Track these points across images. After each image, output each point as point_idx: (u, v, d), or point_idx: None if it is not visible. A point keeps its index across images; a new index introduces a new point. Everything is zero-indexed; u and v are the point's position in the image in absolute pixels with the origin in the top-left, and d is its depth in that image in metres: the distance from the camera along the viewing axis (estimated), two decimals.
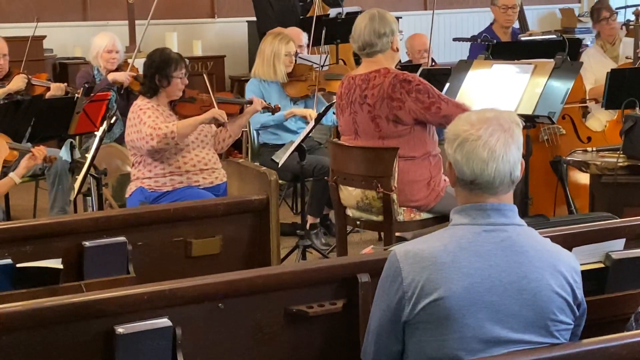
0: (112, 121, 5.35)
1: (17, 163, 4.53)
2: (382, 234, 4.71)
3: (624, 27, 7.54)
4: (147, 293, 2.65)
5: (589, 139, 5.77)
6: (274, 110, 5.62)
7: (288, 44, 6.04)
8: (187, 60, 4.98)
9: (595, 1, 9.14)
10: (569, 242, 2.85)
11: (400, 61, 4.85)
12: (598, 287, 2.95)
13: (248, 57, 8.79)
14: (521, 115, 3.80)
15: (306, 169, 5.42)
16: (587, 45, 7.10)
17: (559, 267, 2.33)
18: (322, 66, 6.69)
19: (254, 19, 8.38)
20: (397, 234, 4.35)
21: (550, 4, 10.63)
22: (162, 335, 2.56)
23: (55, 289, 3.23)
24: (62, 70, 7.66)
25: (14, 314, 2.50)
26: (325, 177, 4.99)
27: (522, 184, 3.99)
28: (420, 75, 4.59)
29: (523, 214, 2.73)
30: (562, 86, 4.73)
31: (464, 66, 5.16)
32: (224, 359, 2.86)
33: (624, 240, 3.09)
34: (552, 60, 4.93)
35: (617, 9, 8.46)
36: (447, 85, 5.07)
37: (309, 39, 6.70)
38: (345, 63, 7.19)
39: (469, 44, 6.98)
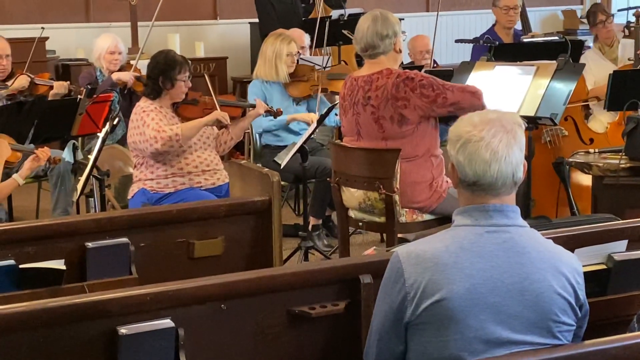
0: (115, 122, 5.34)
1: (20, 164, 4.59)
2: (385, 235, 4.72)
3: (625, 29, 7.54)
4: (150, 294, 2.65)
5: (592, 140, 5.79)
6: (275, 113, 5.61)
7: (290, 44, 6.06)
8: (190, 63, 5.01)
9: (591, 5, 9.22)
10: (571, 243, 2.85)
11: (402, 62, 4.91)
12: (600, 289, 2.96)
13: (250, 59, 8.79)
14: (523, 117, 3.76)
15: (308, 170, 5.41)
16: (589, 47, 7.12)
17: (561, 269, 2.33)
18: (325, 67, 6.70)
19: (256, 20, 8.39)
20: (399, 235, 4.33)
21: (553, 6, 10.64)
22: (164, 336, 2.56)
23: (58, 289, 3.23)
24: (65, 71, 7.66)
25: (17, 315, 2.51)
26: (328, 179, 5.02)
27: (524, 185, 3.96)
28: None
29: (525, 215, 2.75)
30: (564, 88, 4.74)
31: (466, 67, 5.18)
32: (226, 359, 2.88)
33: (626, 241, 3.10)
34: (554, 61, 4.94)
35: (618, 10, 8.52)
36: None
37: (311, 41, 6.72)
38: (347, 65, 7.19)
39: (471, 45, 6.98)
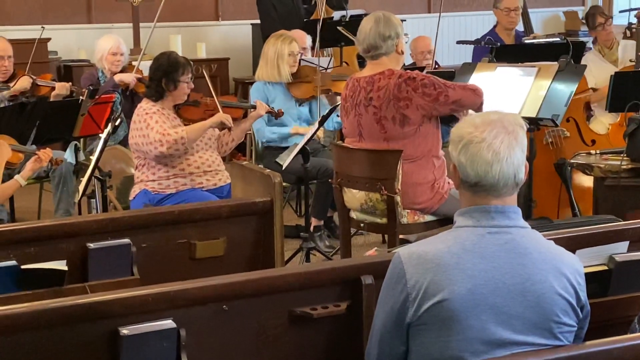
0: (117, 123, 5.31)
1: (22, 165, 4.56)
2: (386, 236, 4.71)
3: (627, 31, 7.55)
4: (152, 295, 2.66)
5: (593, 141, 5.80)
6: (277, 114, 5.64)
7: (291, 44, 6.08)
8: (192, 64, 5.02)
9: (591, 6, 9.20)
10: (572, 244, 2.85)
11: (404, 64, 4.92)
12: (601, 290, 2.96)
13: (252, 60, 8.81)
14: (525, 118, 3.78)
15: (310, 171, 5.42)
16: (590, 48, 7.15)
17: (563, 270, 2.34)
18: (327, 69, 6.70)
19: (258, 21, 8.41)
20: (400, 236, 4.28)
21: (554, 7, 10.68)
22: (166, 337, 2.57)
23: (60, 290, 3.23)
24: (67, 72, 7.69)
25: (18, 315, 2.52)
26: (329, 180, 5.03)
27: (525, 186, 3.98)
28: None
29: (527, 216, 2.75)
30: (565, 89, 4.75)
31: (467, 69, 5.20)
32: None
33: (627, 242, 3.10)
34: (555, 63, 4.95)
35: (620, 11, 8.53)
36: None
37: (312, 42, 6.73)
38: (349, 66, 7.21)
39: (472, 46, 7.00)
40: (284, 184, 4.44)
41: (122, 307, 2.61)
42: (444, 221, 4.16)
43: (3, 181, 4.34)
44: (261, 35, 7.90)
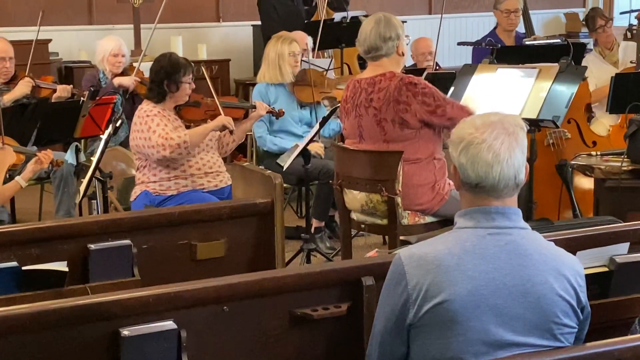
0: (118, 125, 5.32)
1: (23, 167, 4.59)
2: (387, 237, 4.72)
3: (627, 32, 7.49)
4: (152, 296, 2.66)
5: (594, 143, 5.80)
6: (278, 114, 5.66)
7: (291, 44, 6.08)
8: (193, 65, 5.04)
9: (591, 9, 9.15)
10: (573, 245, 2.86)
11: (405, 65, 4.93)
12: (602, 291, 2.96)
13: (253, 61, 8.85)
14: (526, 119, 3.84)
15: (311, 172, 5.42)
16: (590, 50, 7.18)
17: (563, 271, 2.34)
18: (327, 69, 6.68)
19: (259, 23, 8.42)
20: (401, 237, 4.28)
21: (555, 9, 10.68)
22: (167, 338, 2.58)
23: (61, 291, 3.23)
24: (68, 73, 7.71)
25: (19, 317, 2.52)
26: (330, 181, 5.03)
27: (526, 187, 3.99)
28: (425, 79, 4.62)
29: (527, 217, 2.76)
30: (566, 90, 4.76)
31: (468, 70, 5.20)
32: None
33: (628, 244, 3.10)
34: (556, 64, 4.95)
35: (621, 13, 8.50)
36: (452, 89, 5.10)
37: (313, 43, 6.73)
38: (349, 67, 7.22)
39: (472, 48, 6.97)
40: (284, 185, 4.42)
41: (123, 309, 2.61)
42: (445, 222, 4.18)
43: (4, 182, 4.35)
44: (262, 36, 7.89)
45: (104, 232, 3.58)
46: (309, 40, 6.70)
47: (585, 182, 5.33)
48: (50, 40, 7.62)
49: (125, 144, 5.76)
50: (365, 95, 4.37)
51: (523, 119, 3.43)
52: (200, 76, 5.05)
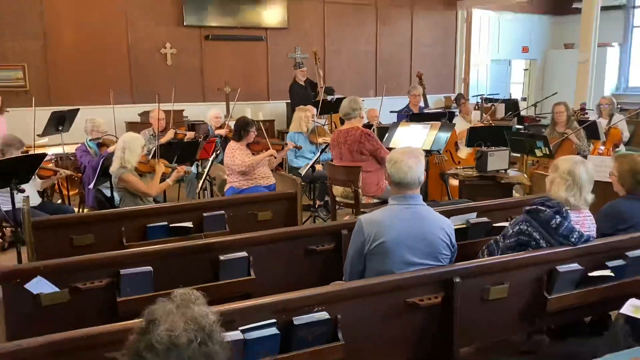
0: (217, 153, 5.63)
1: (170, 174, 4.63)
2: (354, 210, 4.74)
3: (476, 105, 7.83)
4: (237, 239, 2.95)
5: (459, 162, 6.06)
6: (298, 148, 5.96)
7: (307, 112, 6.34)
8: (255, 122, 5.11)
9: (457, 93, 9.41)
10: (447, 214, 3.08)
11: (364, 122, 4.97)
12: (462, 237, 3.29)
13: (286, 120, 8.92)
14: (424, 150, 4.49)
15: (315, 177, 5.72)
16: (457, 115, 7.32)
17: (443, 226, 2.53)
18: (324, 125, 6.95)
19: (289, 101, 8.44)
20: (361, 210, 4.44)
21: (439, 94, 10.85)
22: (242, 262, 2.84)
23: (188, 237, 3.50)
24: (192, 127, 7.65)
25: (168, 249, 2.81)
26: (325, 181, 5.33)
27: (424, 184, 3.77)
28: (372, 130, 4.78)
29: (424, 199, 2.77)
30: (444, 135, 4.96)
31: (395, 125, 5.38)
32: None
33: (475, 213, 3.48)
34: (439, 122, 5.24)
35: (472, 96, 8.66)
36: (387, 135, 5.27)
37: (317, 111, 6.89)
38: (335, 124, 7.28)
39: (397, 113, 7.20)
40: (302, 183, 4.41)
41: (222, 246, 2.84)
42: (383, 202, 4.26)
43: (160, 182, 4.52)
44: (291, 108, 8.04)
45: (212, 207, 3.79)
46: (315, 110, 6.75)
47: (454, 182, 5.45)
48: (183, 110, 7.97)
49: (221, 162, 5.65)
50: (343, 138, 4.57)
51: (423, 149, 4.25)
52: (259, 128, 5.18)
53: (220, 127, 6.63)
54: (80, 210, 5.59)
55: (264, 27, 9.18)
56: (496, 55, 12.22)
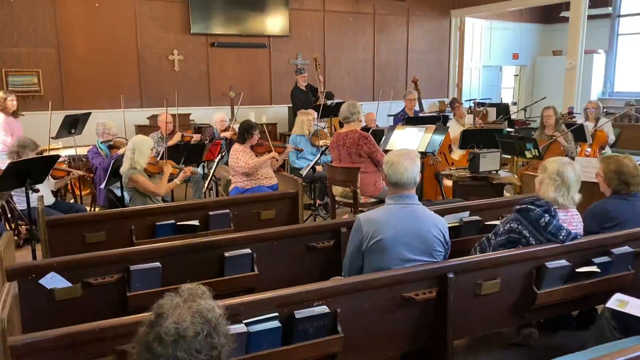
0: (222, 154, 5.57)
1: (177, 174, 4.59)
2: (352, 209, 4.70)
3: (469, 109, 7.79)
4: (242, 236, 2.93)
5: (453, 163, 6.04)
6: (300, 150, 5.93)
7: (308, 115, 6.28)
8: (259, 125, 5.08)
9: (452, 97, 9.38)
10: (442, 212, 3.10)
11: (362, 125, 4.91)
12: (456, 235, 3.31)
13: (288, 124, 8.88)
14: (420, 152, 4.52)
15: (316, 177, 5.69)
16: (451, 119, 7.26)
17: (437, 224, 2.52)
18: (324, 128, 6.91)
19: (291, 105, 8.44)
20: (360, 209, 4.42)
21: (434, 98, 10.76)
22: (246, 257, 2.84)
23: (194, 235, 3.49)
24: (198, 130, 7.50)
25: (175, 246, 2.80)
26: (325, 181, 5.32)
27: (420, 184, 3.63)
28: (370, 134, 4.72)
29: (420, 199, 2.76)
30: (439, 137, 4.95)
31: (392, 128, 5.37)
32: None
33: (468, 212, 3.49)
34: (434, 125, 5.22)
35: (465, 100, 8.60)
36: (384, 137, 5.26)
37: (318, 115, 6.81)
38: (335, 127, 7.29)
39: (393, 117, 7.14)
40: (303, 183, 4.41)
41: (226, 243, 2.84)
42: (380, 202, 4.27)
43: (167, 182, 4.47)
44: (292, 112, 8.07)
45: (217, 205, 3.77)
46: (316, 114, 6.66)
47: (448, 182, 5.40)
48: (190, 113, 7.95)
49: (226, 163, 5.61)
50: (342, 140, 4.54)
51: (418, 151, 4.25)
52: (262, 131, 5.17)
53: (225, 130, 6.61)
54: (92, 209, 5.60)
55: (266, 35, 9.20)
56: (488, 62, 12.23)
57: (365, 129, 5.55)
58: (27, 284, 2.42)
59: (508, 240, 2.76)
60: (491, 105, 8.93)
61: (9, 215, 4.62)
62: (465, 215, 3.38)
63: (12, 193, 4.57)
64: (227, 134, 6.43)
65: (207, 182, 5.00)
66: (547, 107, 5.89)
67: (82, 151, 5.99)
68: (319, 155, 5.66)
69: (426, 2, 10.79)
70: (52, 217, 3.51)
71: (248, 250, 2.82)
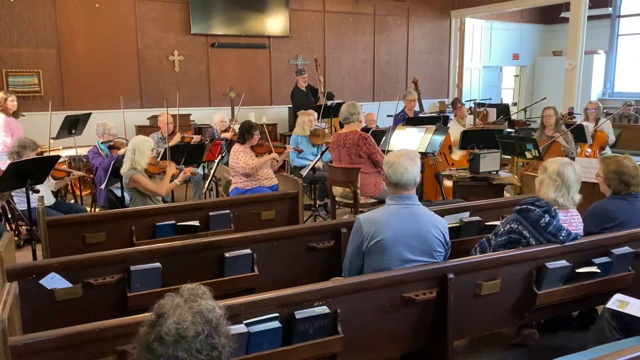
0: (222, 155, 5.57)
1: (177, 175, 4.58)
2: (353, 209, 4.71)
3: (470, 109, 7.76)
4: (241, 237, 2.94)
5: (453, 164, 6.03)
6: (300, 151, 5.96)
7: (309, 116, 6.32)
8: (259, 126, 5.08)
9: (454, 98, 9.40)
10: (441, 213, 3.12)
11: (362, 126, 4.90)
12: (456, 235, 3.31)
13: (288, 124, 8.93)
14: (420, 152, 4.50)
15: (316, 178, 5.70)
16: (452, 119, 7.26)
17: (437, 225, 2.52)
18: (325, 128, 6.92)
19: (291, 105, 8.44)
20: (360, 209, 4.43)
21: (434, 99, 10.76)
22: (246, 258, 2.86)
23: (195, 235, 3.52)
24: (199, 130, 7.58)
25: (175, 247, 2.78)
26: (325, 182, 5.35)
27: (420, 185, 3.58)
28: (370, 134, 4.76)
29: (420, 199, 2.75)
30: (439, 138, 4.94)
31: (392, 128, 5.36)
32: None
33: (468, 212, 3.48)
34: (434, 126, 5.20)
35: (466, 101, 8.62)
36: (384, 137, 5.24)
37: (318, 115, 6.85)
38: (335, 127, 7.26)
39: (393, 117, 7.10)
40: (303, 184, 4.41)
41: (226, 243, 2.83)
42: (381, 202, 4.28)
43: (169, 182, 4.47)
44: (293, 112, 8.07)
45: (218, 206, 3.78)
46: (315, 114, 6.69)
47: (448, 183, 5.40)
48: (190, 114, 7.94)
49: (226, 164, 5.60)
50: (342, 141, 4.55)
51: (419, 152, 4.23)
52: (262, 131, 5.16)
53: (226, 131, 6.61)
54: (93, 209, 5.60)
55: (267, 36, 9.21)
56: (488, 62, 12.24)
57: (365, 129, 5.56)
58: (28, 284, 2.42)
59: (508, 241, 2.76)
60: (491, 105, 8.93)
61: (10, 216, 4.63)
62: (466, 216, 3.39)
63: (13, 193, 4.58)
64: (228, 135, 6.43)
65: (207, 182, 5.00)
66: (547, 107, 5.88)
67: (83, 152, 5.99)
68: (319, 156, 5.70)
69: (426, 3, 10.80)
70: (52, 217, 3.52)
71: (248, 251, 2.81)
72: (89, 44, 7.95)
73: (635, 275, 2.92)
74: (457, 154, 6.15)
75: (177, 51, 8.56)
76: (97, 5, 7.94)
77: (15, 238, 4.73)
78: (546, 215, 2.71)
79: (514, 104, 12.07)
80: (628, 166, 3.07)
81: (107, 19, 8.01)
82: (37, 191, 3.90)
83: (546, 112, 5.85)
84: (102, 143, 5.49)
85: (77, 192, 5.86)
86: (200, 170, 5.84)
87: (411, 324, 2.42)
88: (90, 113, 6.33)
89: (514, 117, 8.81)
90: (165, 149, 4.85)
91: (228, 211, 3.70)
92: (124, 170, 4.33)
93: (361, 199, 4.52)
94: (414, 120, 6.32)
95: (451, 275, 2.42)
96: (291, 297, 2.12)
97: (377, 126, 6.66)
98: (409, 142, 4.97)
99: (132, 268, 2.59)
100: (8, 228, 4.66)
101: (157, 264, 2.64)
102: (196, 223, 3.54)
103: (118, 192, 4.70)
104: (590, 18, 9.18)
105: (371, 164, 4.51)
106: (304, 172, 5.51)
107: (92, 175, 5.48)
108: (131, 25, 8.19)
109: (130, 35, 8.21)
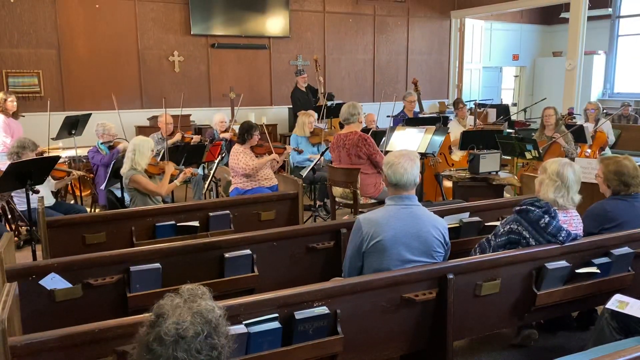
0: (222, 155, 5.58)
1: (177, 176, 4.60)
2: (352, 209, 4.72)
3: (470, 110, 7.75)
4: (241, 237, 2.92)
5: (453, 164, 6.06)
6: (300, 151, 5.99)
7: (309, 117, 6.35)
8: (258, 126, 5.09)
9: (455, 98, 9.36)
10: (442, 213, 3.17)
11: (363, 127, 4.93)
12: (456, 235, 3.32)
13: (288, 125, 8.95)
14: (420, 152, 4.49)
15: (316, 178, 5.70)
16: (452, 119, 7.26)
17: (437, 226, 2.52)
18: (325, 129, 6.88)
19: (291, 106, 8.41)
20: (360, 209, 4.46)
21: (434, 99, 10.78)
22: (245, 259, 2.85)
23: (195, 236, 3.50)
24: (198, 131, 7.62)
25: (174, 247, 2.78)
26: (325, 182, 5.30)
27: (419, 185, 3.85)
28: (370, 135, 4.77)
29: (420, 199, 2.74)
30: (439, 139, 4.97)
31: (392, 129, 5.41)
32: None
33: (468, 213, 3.48)
34: (434, 126, 5.22)
35: (466, 101, 8.62)
36: (384, 138, 5.28)
37: (318, 116, 6.85)
38: (335, 128, 7.30)
39: (393, 117, 7.00)
40: (303, 184, 4.40)
41: (226, 244, 2.84)
42: (380, 203, 4.27)
43: (168, 183, 4.47)
44: (293, 113, 8.10)
45: (217, 207, 3.78)
46: (316, 115, 6.70)
47: (448, 183, 5.44)
48: (190, 114, 7.92)
49: (226, 164, 5.68)
50: (342, 141, 4.58)
51: (418, 152, 4.21)
52: (262, 132, 5.18)
53: (226, 131, 6.63)
54: (92, 210, 5.61)
55: (267, 36, 9.22)
56: (488, 63, 12.24)
57: (365, 130, 5.57)
58: (28, 284, 2.42)
59: (508, 241, 2.77)
60: (491, 106, 8.93)
61: (9, 216, 4.64)
62: (465, 216, 3.39)
63: (13, 194, 4.58)
64: (227, 135, 6.45)
65: (207, 183, 5.01)
66: (547, 107, 5.90)
67: (83, 152, 6.00)
68: (319, 156, 5.71)
69: (426, 3, 10.83)
70: (52, 217, 3.52)
71: (248, 251, 2.82)
72: (89, 44, 7.97)
73: (635, 275, 2.93)
74: (457, 155, 6.18)
75: (177, 52, 8.59)
76: (97, 5, 7.97)
77: (15, 238, 4.73)
78: (546, 216, 2.71)
79: (514, 105, 12.07)
80: (628, 167, 3.08)
81: (107, 20, 8.04)
82: (37, 192, 3.90)
83: (546, 111, 5.85)
84: (102, 143, 5.50)
85: (77, 193, 5.86)
86: (200, 171, 5.85)
87: (411, 324, 2.42)
88: (90, 113, 6.35)
89: (513, 117, 8.82)
90: (166, 149, 4.91)
91: (228, 212, 3.69)
92: (124, 170, 4.34)
93: (361, 200, 4.53)
94: (414, 121, 6.36)
95: (451, 276, 2.42)
96: (291, 297, 2.12)
97: (377, 127, 6.70)
98: (408, 142, 4.98)
99: (132, 268, 2.59)
100: (8, 228, 4.66)
101: (157, 265, 2.64)
102: (196, 223, 3.53)
103: (118, 193, 4.70)
104: (590, 18, 9.21)
105: (371, 165, 4.53)
106: (304, 173, 5.54)
107: (92, 176, 5.48)
108: (131, 25, 8.21)
109: (130, 36, 8.23)
